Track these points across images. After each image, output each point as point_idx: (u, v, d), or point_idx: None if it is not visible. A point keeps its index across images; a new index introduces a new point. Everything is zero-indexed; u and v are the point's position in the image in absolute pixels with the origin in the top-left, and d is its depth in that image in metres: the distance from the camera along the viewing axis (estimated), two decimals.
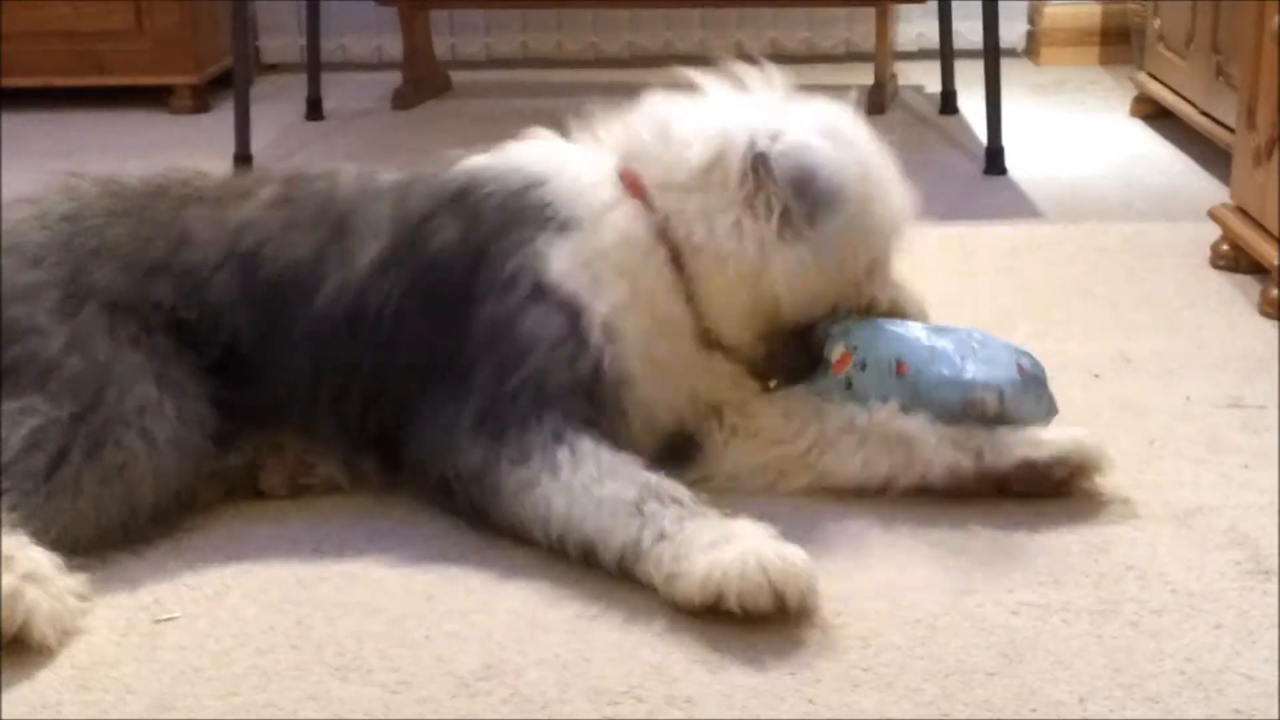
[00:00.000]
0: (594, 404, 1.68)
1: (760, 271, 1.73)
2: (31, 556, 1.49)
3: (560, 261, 1.70)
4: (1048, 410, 1.81)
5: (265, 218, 1.79)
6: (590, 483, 1.60)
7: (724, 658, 1.43)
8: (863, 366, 1.81)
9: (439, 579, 1.59)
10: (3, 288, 1.69)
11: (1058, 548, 1.63)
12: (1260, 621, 1.48)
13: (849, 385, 1.82)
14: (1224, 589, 1.54)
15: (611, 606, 1.53)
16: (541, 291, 1.70)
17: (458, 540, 1.67)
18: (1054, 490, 1.72)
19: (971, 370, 1.78)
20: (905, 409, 1.77)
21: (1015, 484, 1.72)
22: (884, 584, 1.56)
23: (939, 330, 1.84)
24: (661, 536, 1.54)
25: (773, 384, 1.86)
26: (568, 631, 1.49)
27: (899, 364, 1.80)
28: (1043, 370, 1.82)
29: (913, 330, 1.83)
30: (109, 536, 1.63)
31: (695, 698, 1.37)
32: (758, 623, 1.48)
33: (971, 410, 1.76)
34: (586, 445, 1.64)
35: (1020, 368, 1.79)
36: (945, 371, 1.78)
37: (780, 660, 1.42)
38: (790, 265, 1.73)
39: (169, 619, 1.52)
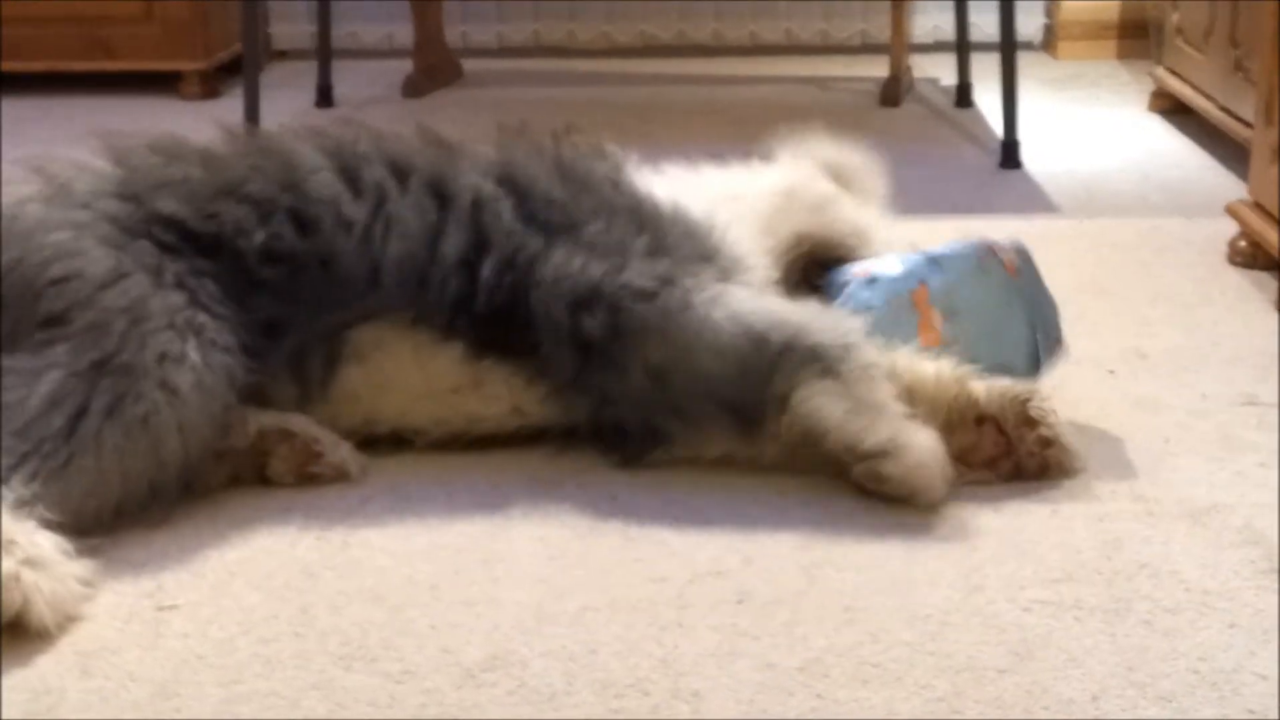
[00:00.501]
0: None
1: None
2: (34, 540, 1.48)
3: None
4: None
5: (375, 139, 1.91)
6: (770, 305, 1.77)
7: (732, 651, 1.42)
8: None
9: (444, 569, 1.58)
10: (47, 220, 1.74)
11: (1070, 544, 1.61)
12: (1275, 621, 1.46)
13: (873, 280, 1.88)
14: (1238, 588, 1.52)
15: (618, 599, 1.51)
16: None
17: (462, 530, 1.66)
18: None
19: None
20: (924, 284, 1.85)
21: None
22: (893, 579, 1.54)
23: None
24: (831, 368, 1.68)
25: None
26: (574, 623, 1.47)
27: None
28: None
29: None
30: (136, 497, 1.63)
31: (702, 691, 1.36)
32: (770, 616, 1.46)
33: (988, 262, 1.87)
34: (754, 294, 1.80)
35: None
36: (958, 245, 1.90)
37: (789, 654, 1.41)
38: None
39: (172, 606, 1.51)
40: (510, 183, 1.85)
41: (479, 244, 1.80)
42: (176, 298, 1.70)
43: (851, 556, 1.59)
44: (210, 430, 1.68)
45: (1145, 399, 2.00)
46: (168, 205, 1.78)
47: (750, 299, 1.77)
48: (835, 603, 1.50)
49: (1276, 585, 1.53)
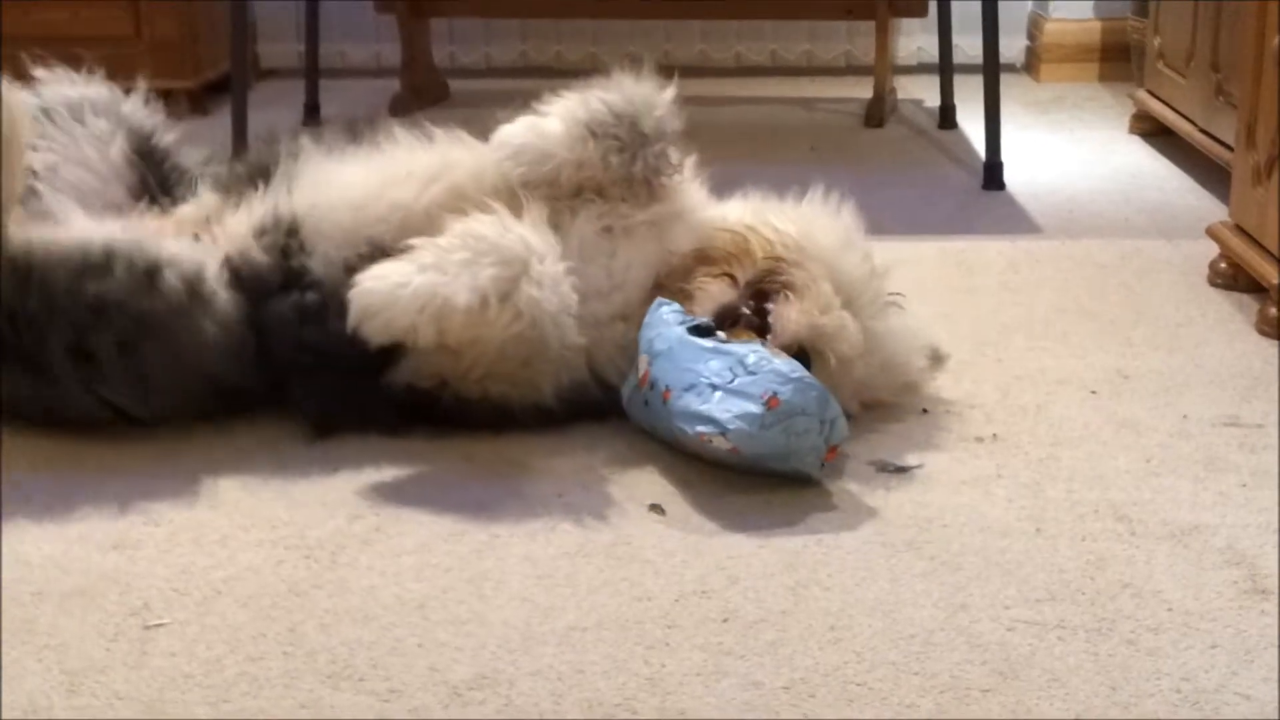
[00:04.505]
0: None
1: None
2: None
3: None
4: (823, 444, 1.76)
5: None
6: None
7: (718, 671, 1.42)
8: (652, 387, 1.83)
9: (431, 588, 1.58)
10: None
11: (1053, 564, 1.62)
12: (1257, 641, 1.47)
13: (646, 403, 1.86)
14: (1221, 608, 1.54)
15: (605, 619, 1.52)
16: None
17: (450, 550, 1.66)
18: None
19: (713, 403, 1.75)
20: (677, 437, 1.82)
21: None
22: (878, 599, 1.55)
23: (719, 353, 1.79)
24: None
25: None
26: (561, 643, 1.48)
27: (665, 389, 1.81)
28: (815, 400, 1.74)
29: (694, 351, 1.80)
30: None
31: (689, 710, 1.36)
32: (756, 636, 1.47)
33: (706, 445, 1.76)
34: None
35: (771, 400, 1.72)
36: (691, 403, 1.77)
37: (775, 674, 1.41)
38: None
39: (159, 624, 1.51)
40: None
41: None
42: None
43: (837, 577, 1.60)
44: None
45: (1128, 420, 2.02)
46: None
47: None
48: (821, 623, 1.51)
49: (1259, 605, 1.54)
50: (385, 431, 1.94)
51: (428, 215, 1.93)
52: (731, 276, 1.93)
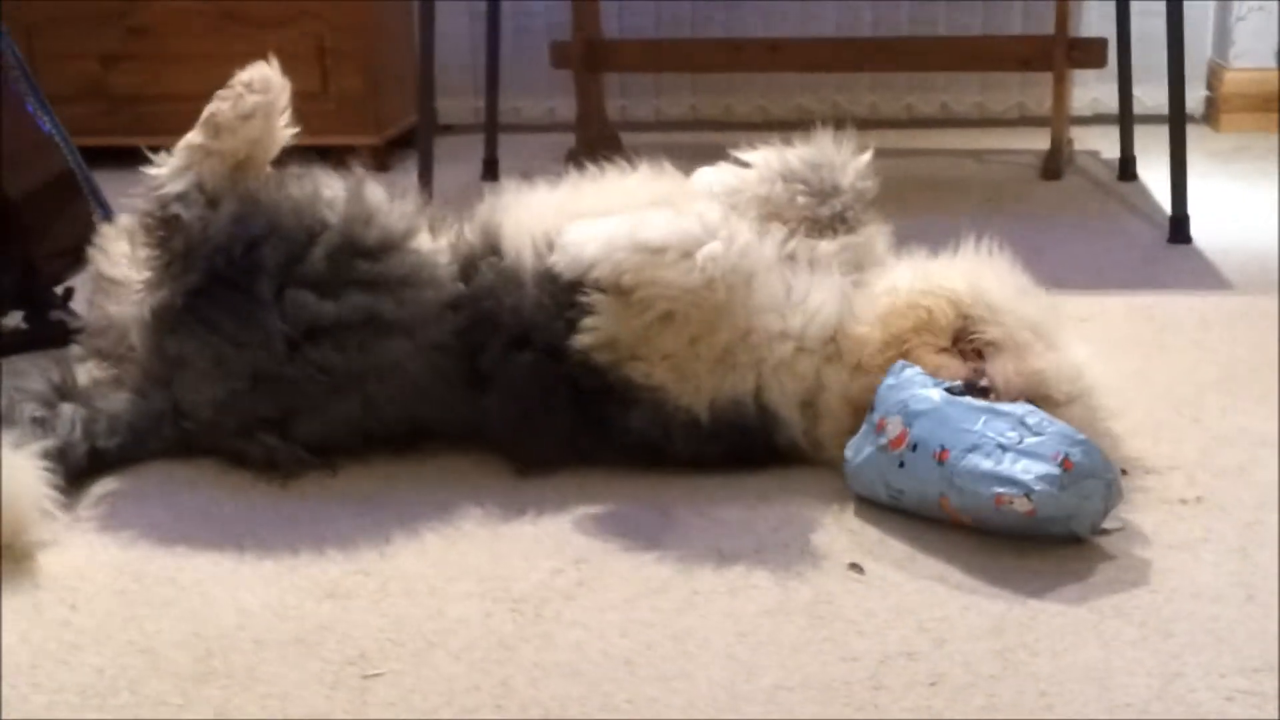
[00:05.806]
0: None
1: None
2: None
3: None
4: (1104, 507, 1.75)
5: None
6: None
7: None
8: (914, 448, 1.80)
9: (636, 644, 1.60)
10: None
11: (1268, 632, 1.59)
12: None
13: (901, 464, 1.83)
14: None
15: (810, 678, 1.52)
16: None
17: (652, 605, 1.68)
18: None
19: (1006, 464, 1.72)
20: (946, 498, 1.78)
21: None
22: (1089, 666, 1.53)
23: (996, 413, 1.77)
24: None
25: None
26: (768, 702, 1.48)
27: (941, 450, 1.78)
28: (1101, 462, 1.73)
29: (966, 411, 1.78)
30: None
31: None
32: (966, 701, 1.46)
33: (1003, 507, 1.72)
34: None
35: (1065, 461, 1.70)
36: (981, 463, 1.74)
37: None
38: None
39: (376, 675, 1.55)
40: None
41: None
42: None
43: (1045, 642, 1.58)
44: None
45: None
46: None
47: None
48: (1031, 688, 1.49)
49: None
50: (569, 450, 2.02)
51: None
52: (941, 348, 1.93)
